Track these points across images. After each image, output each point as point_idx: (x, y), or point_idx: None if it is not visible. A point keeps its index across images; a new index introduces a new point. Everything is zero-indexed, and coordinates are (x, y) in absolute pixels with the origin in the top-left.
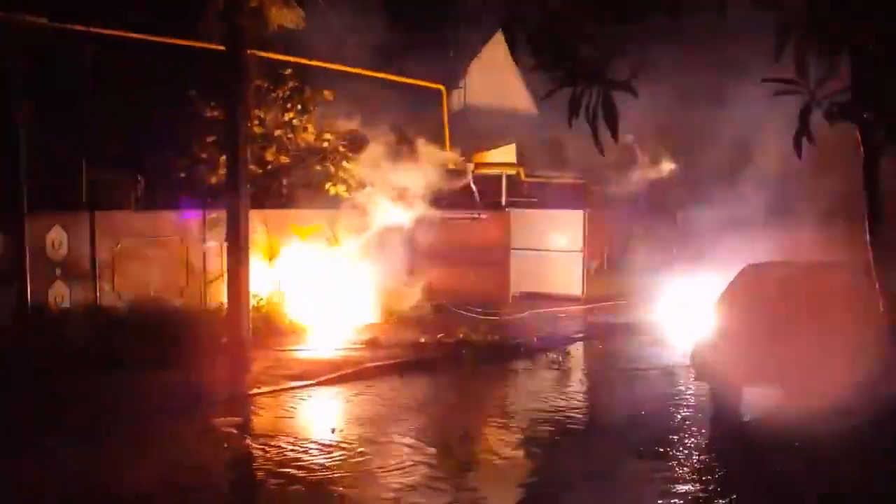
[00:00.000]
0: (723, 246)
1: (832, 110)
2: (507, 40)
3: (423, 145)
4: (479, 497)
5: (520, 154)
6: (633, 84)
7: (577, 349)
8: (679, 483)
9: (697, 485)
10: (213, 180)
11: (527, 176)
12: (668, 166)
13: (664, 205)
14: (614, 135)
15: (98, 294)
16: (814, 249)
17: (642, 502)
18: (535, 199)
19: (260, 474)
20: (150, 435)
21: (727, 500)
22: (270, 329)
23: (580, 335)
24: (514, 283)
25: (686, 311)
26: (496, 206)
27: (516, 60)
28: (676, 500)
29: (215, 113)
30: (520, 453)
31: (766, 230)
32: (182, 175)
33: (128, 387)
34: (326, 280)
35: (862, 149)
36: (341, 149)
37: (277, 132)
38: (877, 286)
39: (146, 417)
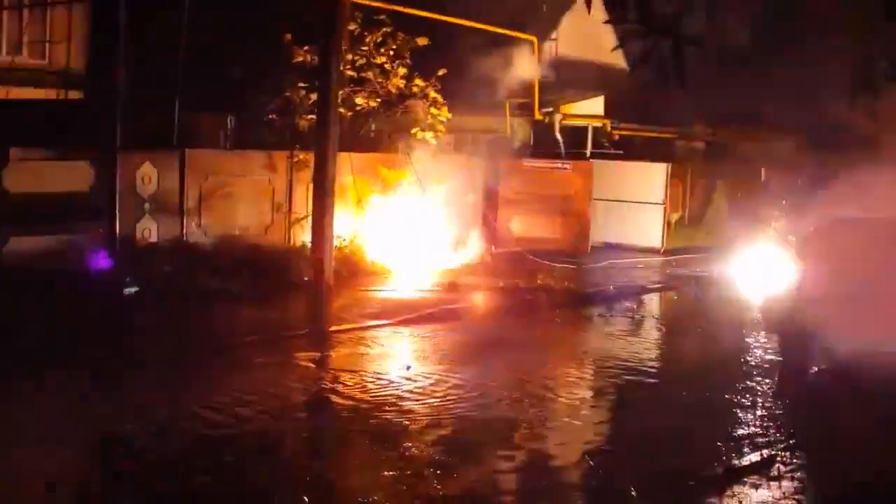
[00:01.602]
0: (806, 202)
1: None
2: None
3: (513, 95)
4: (540, 435)
5: (607, 107)
6: (701, 39)
7: (651, 299)
8: (744, 428)
9: (761, 430)
10: (303, 123)
11: (613, 129)
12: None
13: (748, 162)
14: (681, 82)
15: (185, 230)
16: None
17: (704, 445)
18: (621, 152)
19: (334, 405)
20: (232, 365)
21: (787, 446)
22: (352, 270)
23: (657, 286)
24: (594, 233)
25: (764, 266)
26: (581, 156)
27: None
28: (741, 445)
29: (308, 57)
30: (588, 394)
31: (848, 187)
32: (272, 117)
33: (212, 319)
34: (409, 224)
35: None
36: (431, 94)
37: (369, 75)
38: None
39: (229, 348)
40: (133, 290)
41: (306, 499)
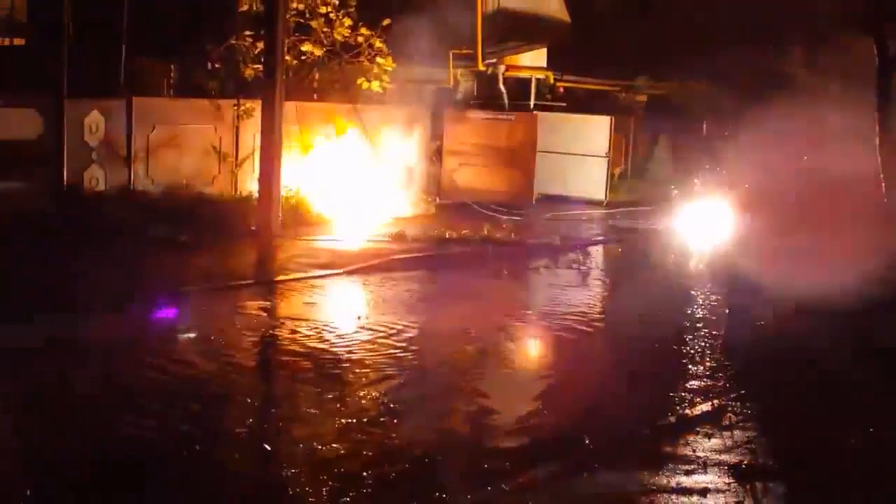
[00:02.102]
0: (742, 159)
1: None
2: None
3: (456, 46)
4: (485, 388)
5: (550, 58)
6: None
7: (596, 251)
8: (694, 379)
9: (707, 380)
10: (249, 72)
11: (556, 80)
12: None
13: (691, 116)
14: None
15: (132, 178)
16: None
17: (656, 396)
18: (564, 104)
19: (281, 353)
20: (180, 313)
21: (734, 394)
22: (299, 220)
23: (600, 238)
24: (538, 184)
25: (706, 218)
26: (525, 108)
27: None
28: (686, 395)
29: (254, 5)
30: (535, 346)
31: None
32: (217, 65)
33: (159, 267)
34: (355, 175)
35: (877, 59)
36: (377, 44)
37: (314, 24)
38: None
39: (175, 294)
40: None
41: (268, 447)
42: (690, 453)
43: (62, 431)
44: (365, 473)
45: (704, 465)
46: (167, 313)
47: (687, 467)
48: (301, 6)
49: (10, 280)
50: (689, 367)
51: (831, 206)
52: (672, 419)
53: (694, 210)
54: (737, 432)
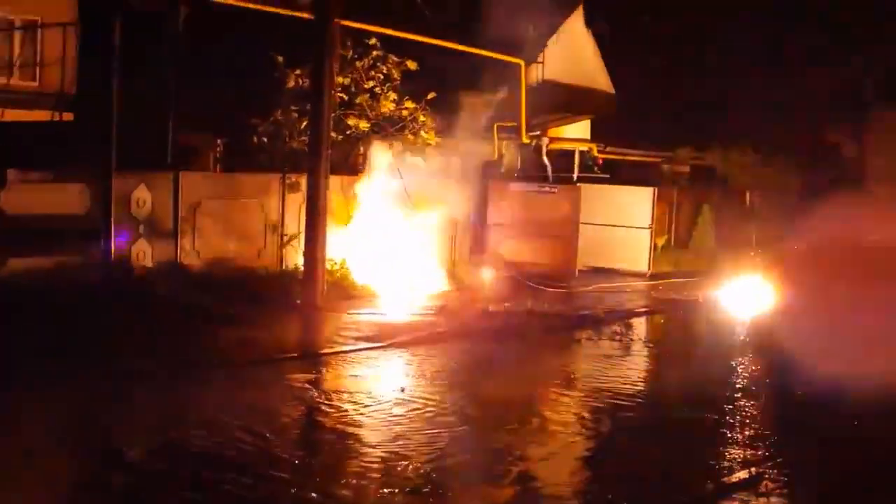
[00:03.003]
0: (790, 226)
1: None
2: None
3: (500, 119)
4: (530, 457)
5: (594, 130)
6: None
7: (639, 322)
8: (732, 447)
9: (749, 450)
10: (294, 145)
11: (600, 152)
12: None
13: (733, 185)
14: None
15: (179, 252)
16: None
17: (694, 464)
18: (608, 176)
19: (327, 425)
20: (228, 385)
21: (775, 464)
22: (343, 293)
23: (644, 309)
24: (581, 256)
25: (749, 289)
26: (568, 180)
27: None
28: (729, 463)
29: (300, 81)
30: (577, 417)
31: (830, 211)
32: (264, 139)
33: (206, 340)
34: (399, 247)
35: None
36: (421, 118)
37: (359, 99)
38: None
39: (222, 368)
40: None
41: None
42: None
43: None
44: None
45: None
46: (210, 385)
47: None
48: (346, 81)
49: (57, 350)
50: (728, 435)
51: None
52: (710, 486)
53: (738, 281)
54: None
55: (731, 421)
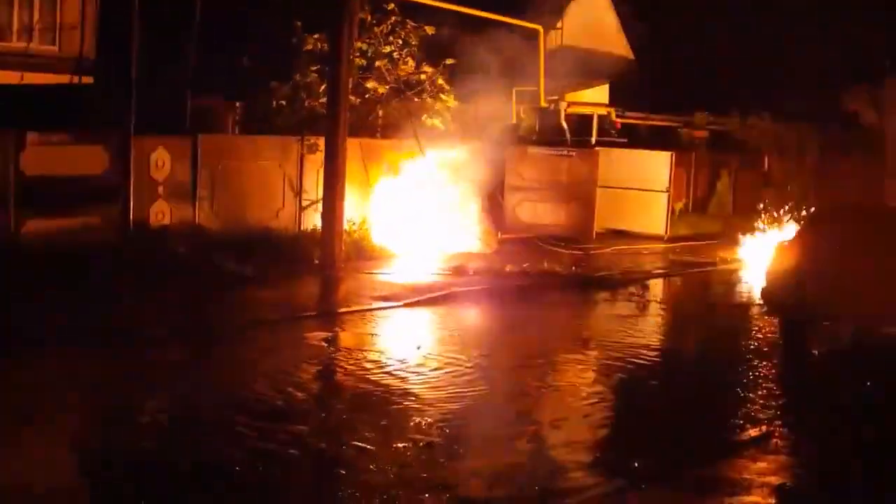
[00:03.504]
0: (803, 189)
1: None
2: None
3: (519, 83)
4: (534, 409)
5: (612, 95)
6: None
7: (656, 284)
8: (744, 406)
9: (760, 408)
10: (313, 107)
11: (618, 116)
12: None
13: (751, 151)
14: None
15: (197, 213)
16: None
17: (706, 421)
18: (625, 140)
19: (345, 383)
20: (246, 344)
21: (790, 428)
22: (361, 254)
23: (661, 271)
24: (599, 219)
25: (767, 251)
26: (586, 144)
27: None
28: (740, 421)
29: (318, 45)
30: (594, 376)
31: (841, 176)
32: (282, 103)
33: (225, 301)
34: (417, 209)
35: None
36: (439, 81)
37: (377, 63)
38: None
39: (242, 328)
40: None
41: (342, 471)
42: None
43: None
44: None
45: (748, 488)
46: (231, 344)
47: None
48: (364, 46)
49: (79, 313)
50: (739, 394)
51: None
52: (717, 444)
53: (755, 243)
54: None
55: (746, 381)
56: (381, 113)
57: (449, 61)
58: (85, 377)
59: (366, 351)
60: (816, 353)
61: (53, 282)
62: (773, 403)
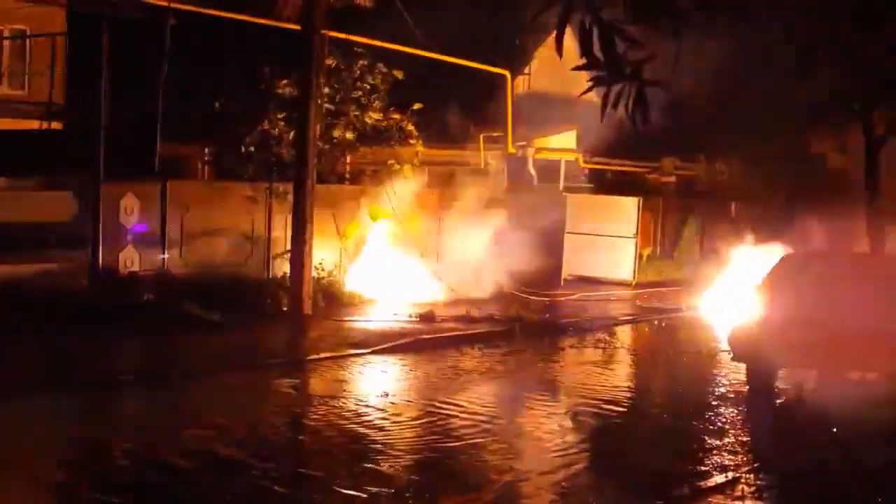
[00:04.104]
0: (770, 235)
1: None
2: (556, 39)
3: (487, 128)
4: (510, 464)
5: (580, 140)
6: (668, 84)
7: (623, 330)
8: (711, 452)
9: (727, 454)
10: (282, 154)
11: (585, 162)
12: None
13: (718, 196)
14: (646, 123)
15: (166, 259)
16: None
17: (673, 468)
18: (592, 185)
19: (311, 428)
20: (212, 389)
21: (751, 469)
22: (331, 300)
23: (628, 318)
24: (567, 265)
25: (732, 298)
26: (554, 190)
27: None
28: (707, 467)
29: (287, 90)
30: (558, 423)
31: (808, 221)
32: (251, 149)
33: (192, 345)
34: (386, 256)
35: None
36: (408, 127)
37: (346, 109)
38: None
39: (208, 373)
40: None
41: None
42: None
43: None
44: None
45: None
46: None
47: None
48: (332, 91)
49: (46, 357)
50: (706, 441)
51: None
52: (686, 490)
53: (721, 290)
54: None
55: (712, 427)
56: (349, 159)
57: (417, 106)
58: (46, 420)
59: (333, 398)
60: (782, 399)
61: (17, 328)
62: (740, 449)
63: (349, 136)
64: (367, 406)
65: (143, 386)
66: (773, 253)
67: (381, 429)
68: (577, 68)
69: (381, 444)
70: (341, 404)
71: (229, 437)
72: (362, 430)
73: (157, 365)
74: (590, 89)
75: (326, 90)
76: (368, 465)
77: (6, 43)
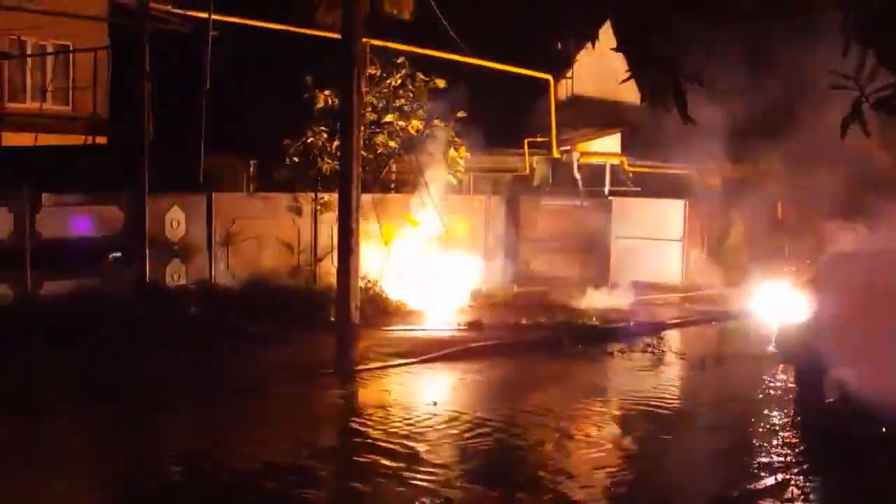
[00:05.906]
0: (818, 236)
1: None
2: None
3: (531, 134)
4: (551, 474)
5: (624, 143)
6: (701, 76)
7: (671, 335)
8: (760, 455)
9: (777, 457)
10: (325, 166)
11: (630, 165)
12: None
13: (764, 197)
14: (684, 119)
15: (213, 272)
16: None
17: (722, 470)
18: (639, 189)
19: (361, 441)
20: (261, 403)
21: (801, 471)
22: (377, 309)
23: (676, 321)
24: (613, 270)
25: (780, 299)
26: (600, 194)
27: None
28: (757, 470)
29: (329, 101)
30: (609, 428)
31: (855, 221)
32: (295, 159)
33: (242, 359)
34: (432, 264)
35: None
36: (451, 135)
37: (388, 118)
38: None
39: (258, 387)
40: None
41: None
42: None
43: None
44: None
45: None
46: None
47: None
48: (374, 99)
49: (93, 373)
50: (756, 443)
51: None
52: (735, 493)
53: (770, 291)
54: None
55: (762, 430)
56: (394, 167)
57: (460, 114)
58: (101, 432)
59: (381, 408)
60: (831, 399)
61: (67, 343)
62: (790, 451)
63: (392, 144)
64: (413, 414)
65: (193, 400)
66: (819, 253)
67: (429, 438)
68: (617, 49)
69: (430, 453)
70: (387, 413)
71: (288, 449)
72: (411, 441)
73: (206, 379)
74: (628, 79)
75: (369, 98)
76: (417, 476)
77: (50, 59)
